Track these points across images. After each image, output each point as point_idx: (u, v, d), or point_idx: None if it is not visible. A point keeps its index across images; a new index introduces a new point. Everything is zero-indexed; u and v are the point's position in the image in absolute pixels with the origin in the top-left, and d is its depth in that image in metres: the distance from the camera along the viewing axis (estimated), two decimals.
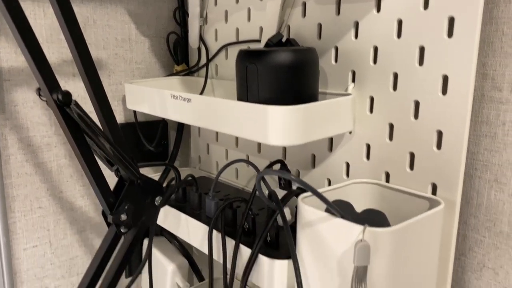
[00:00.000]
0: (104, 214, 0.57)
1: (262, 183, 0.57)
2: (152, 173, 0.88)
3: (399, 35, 0.52)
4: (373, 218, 0.47)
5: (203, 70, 0.83)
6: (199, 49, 0.83)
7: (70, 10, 0.50)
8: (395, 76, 0.54)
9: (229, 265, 0.58)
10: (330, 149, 0.63)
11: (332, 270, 0.45)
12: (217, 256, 0.61)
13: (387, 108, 0.55)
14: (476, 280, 0.53)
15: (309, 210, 0.47)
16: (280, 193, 0.57)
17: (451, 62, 0.48)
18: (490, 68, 0.49)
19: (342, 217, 0.44)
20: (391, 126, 0.55)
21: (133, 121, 0.84)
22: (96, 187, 0.53)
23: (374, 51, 0.55)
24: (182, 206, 0.71)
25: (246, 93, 0.55)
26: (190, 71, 0.86)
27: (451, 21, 0.48)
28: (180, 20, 0.86)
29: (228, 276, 0.57)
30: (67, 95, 0.45)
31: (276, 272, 0.53)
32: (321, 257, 0.46)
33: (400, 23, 0.52)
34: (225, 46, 0.77)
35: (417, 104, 0.52)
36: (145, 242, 0.87)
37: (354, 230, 0.42)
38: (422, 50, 0.51)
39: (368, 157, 0.58)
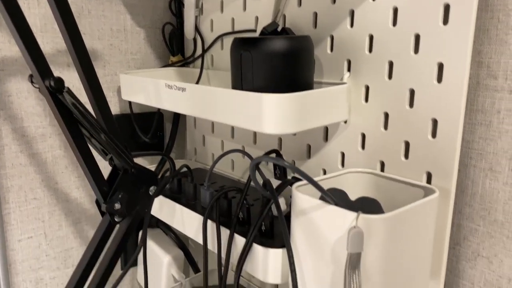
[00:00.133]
0: (98, 203, 0.56)
1: (257, 173, 0.57)
2: (148, 164, 0.88)
3: (394, 23, 0.52)
4: (367, 205, 0.47)
5: (199, 61, 0.83)
6: (194, 40, 0.83)
7: None
8: (391, 64, 0.53)
9: (223, 255, 0.58)
10: (326, 139, 0.63)
11: (326, 257, 0.45)
12: (212, 246, 0.61)
13: (382, 97, 0.55)
14: (471, 269, 0.53)
15: (303, 198, 0.47)
16: (275, 184, 0.57)
17: (447, 50, 0.48)
18: (485, 56, 0.49)
19: (336, 204, 0.44)
20: (386, 115, 0.55)
21: (129, 112, 0.84)
22: (90, 176, 0.52)
23: (369, 40, 0.55)
24: (177, 197, 0.71)
25: (240, 82, 0.55)
26: (185, 62, 0.85)
27: (447, 8, 0.48)
28: (175, 10, 0.85)
29: (223, 266, 0.57)
30: (59, 81, 0.45)
31: (270, 261, 0.53)
32: (315, 245, 0.46)
33: (395, 11, 0.52)
34: (220, 37, 0.76)
35: (412, 92, 0.52)
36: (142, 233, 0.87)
37: (347, 217, 0.42)
38: (417, 38, 0.50)
39: (363, 146, 0.58)
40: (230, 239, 0.57)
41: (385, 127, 0.55)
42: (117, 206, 0.55)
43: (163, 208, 0.71)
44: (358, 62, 0.56)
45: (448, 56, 0.48)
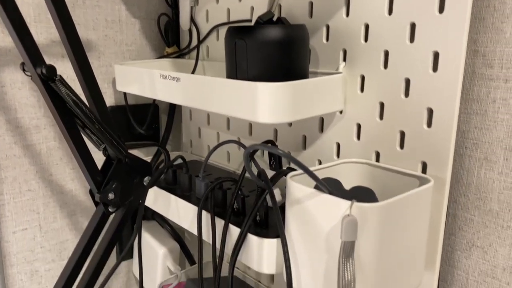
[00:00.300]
0: (91, 193, 0.56)
1: (252, 163, 0.56)
2: (143, 156, 0.87)
3: (390, 11, 0.52)
4: (362, 194, 0.47)
5: (194, 52, 0.82)
6: (190, 31, 0.82)
7: None
8: (386, 54, 0.53)
9: (218, 246, 0.58)
10: (321, 129, 0.62)
11: (320, 246, 0.45)
12: (207, 236, 0.60)
13: (378, 87, 0.54)
14: (465, 259, 0.53)
15: (297, 187, 0.46)
16: (270, 174, 0.57)
17: (442, 39, 0.47)
18: (481, 45, 0.49)
19: (330, 193, 0.44)
20: (382, 105, 0.55)
21: (124, 104, 0.83)
22: (83, 165, 0.52)
23: (365, 29, 0.55)
24: (172, 188, 0.70)
25: (235, 70, 0.54)
26: (181, 53, 0.85)
27: None
28: (171, 1, 0.84)
29: (217, 257, 0.57)
30: (51, 68, 0.44)
31: (265, 251, 0.52)
32: (310, 234, 0.46)
33: None
34: (216, 27, 0.76)
35: (407, 82, 0.51)
36: None
37: (341, 206, 0.42)
38: (413, 26, 0.50)
39: (358, 137, 0.58)
40: (225, 229, 0.56)
41: (381, 117, 0.55)
42: (111, 196, 0.55)
43: (158, 199, 0.70)
44: (354, 52, 0.56)
45: (443, 45, 0.47)
